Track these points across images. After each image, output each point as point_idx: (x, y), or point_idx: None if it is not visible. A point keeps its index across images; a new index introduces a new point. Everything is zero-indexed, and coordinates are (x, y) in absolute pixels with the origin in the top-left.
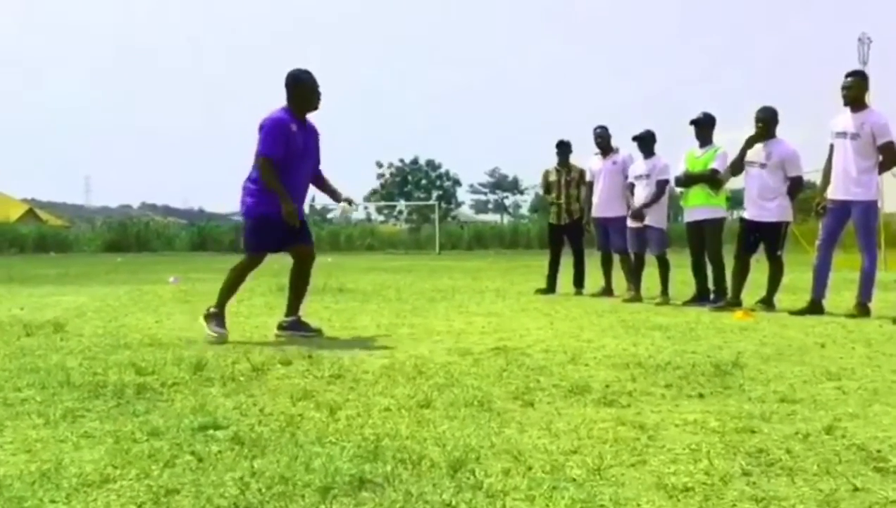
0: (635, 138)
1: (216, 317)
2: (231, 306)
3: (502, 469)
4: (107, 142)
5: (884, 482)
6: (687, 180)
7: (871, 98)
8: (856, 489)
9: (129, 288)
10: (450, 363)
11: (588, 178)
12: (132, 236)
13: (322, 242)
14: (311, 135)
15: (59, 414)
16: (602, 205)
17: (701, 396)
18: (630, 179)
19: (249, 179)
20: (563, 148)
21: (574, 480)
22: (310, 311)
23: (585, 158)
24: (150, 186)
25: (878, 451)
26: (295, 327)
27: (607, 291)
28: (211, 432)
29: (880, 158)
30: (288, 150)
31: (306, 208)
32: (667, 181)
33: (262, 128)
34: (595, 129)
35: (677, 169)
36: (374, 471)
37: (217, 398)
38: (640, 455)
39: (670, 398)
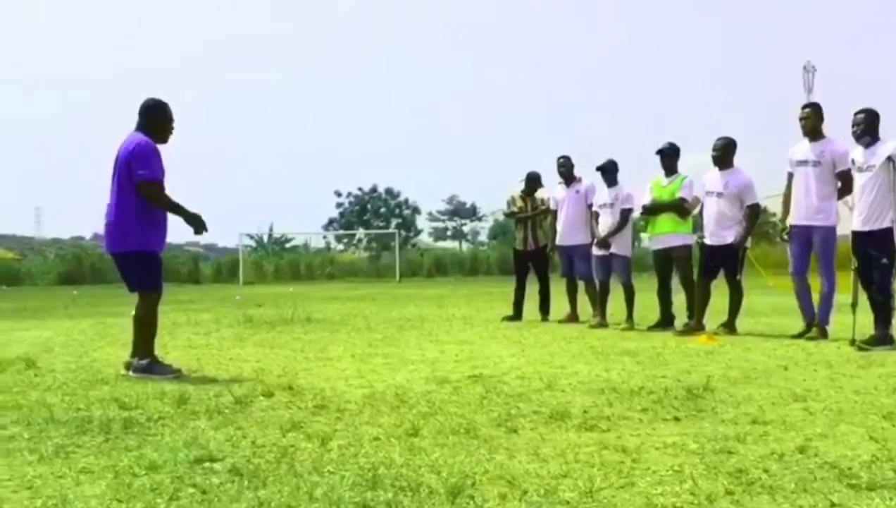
0: (598, 168)
1: (154, 365)
2: (199, 338)
3: (499, 493)
4: (58, 171)
5: (858, 497)
6: (655, 209)
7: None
8: (833, 504)
9: (93, 321)
10: (429, 391)
11: (552, 206)
12: (87, 268)
13: (282, 271)
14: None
15: (51, 451)
16: (566, 233)
17: (676, 419)
18: (595, 208)
19: (125, 212)
20: (532, 181)
21: (568, 503)
22: (280, 341)
23: (549, 187)
24: (102, 217)
25: (850, 468)
26: (151, 368)
27: (573, 317)
28: (208, 464)
29: (839, 184)
30: (163, 175)
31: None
32: (631, 210)
33: (135, 151)
34: (558, 158)
35: (644, 198)
36: (376, 499)
37: (206, 430)
38: (627, 478)
39: (647, 421)
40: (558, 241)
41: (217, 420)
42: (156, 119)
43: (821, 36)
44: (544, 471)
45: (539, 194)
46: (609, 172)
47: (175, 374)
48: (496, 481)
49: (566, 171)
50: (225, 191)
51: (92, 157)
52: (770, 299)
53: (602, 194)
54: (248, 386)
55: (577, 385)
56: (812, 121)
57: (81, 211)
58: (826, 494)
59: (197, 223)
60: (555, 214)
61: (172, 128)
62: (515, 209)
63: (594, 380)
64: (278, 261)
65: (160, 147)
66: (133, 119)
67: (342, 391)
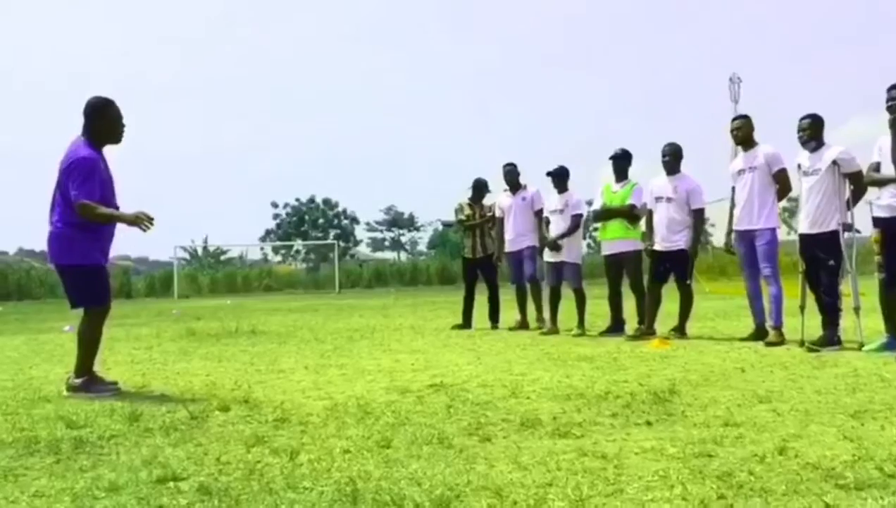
0: (549, 174)
1: (91, 383)
2: (140, 353)
3: (487, 505)
4: None
5: (850, 498)
6: (605, 214)
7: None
8: (828, 505)
9: (25, 338)
10: (393, 401)
11: (497, 214)
12: (13, 284)
13: (218, 284)
14: (109, 169)
15: None
16: (514, 240)
17: (648, 423)
18: (545, 214)
19: (69, 224)
20: (479, 189)
21: None
22: (228, 354)
23: (495, 194)
24: (27, 232)
25: (833, 469)
26: (88, 386)
27: (523, 324)
28: (172, 484)
29: (777, 187)
30: (102, 190)
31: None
32: (581, 215)
33: (70, 168)
34: (504, 166)
35: (595, 203)
36: None
37: (164, 448)
38: (615, 485)
39: (619, 426)
40: (507, 248)
41: (174, 437)
42: (99, 121)
43: (745, 49)
44: (528, 480)
45: (486, 200)
46: (559, 177)
47: (114, 391)
48: (481, 492)
49: (512, 178)
50: (158, 202)
51: (14, 167)
52: (710, 304)
53: (552, 199)
54: (201, 401)
55: (542, 392)
56: (744, 131)
57: (4, 227)
58: (819, 495)
59: (140, 222)
60: (501, 221)
61: (122, 127)
62: (463, 217)
63: (557, 386)
64: (214, 274)
65: (113, 148)
66: (56, 126)
67: (301, 404)
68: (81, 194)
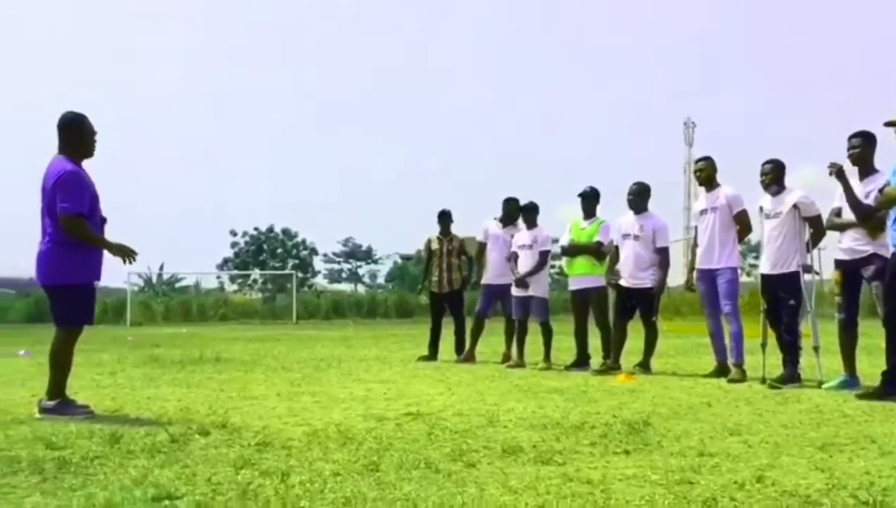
0: (521, 209)
1: (65, 405)
2: (105, 378)
3: None
4: None
5: None
6: (572, 250)
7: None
8: None
9: None
10: (372, 428)
11: (481, 238)
12: None
13: (173, 312)
14: (93, 183)
15: None
16: (500, 273)
17: (627, 452)
18: (514, 249)
19: (55, 241)
20: (444, 218)
21: None
22: (195, 381)
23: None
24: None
25: (809, 496)
26: (62, 409)
27: (469, 356)
28: (167, 502)
29: (738, 227)
30: (91, 203)
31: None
32: (549, 252)
33: (58, 183)
34: (508, 198)
35: (563, 239)
36: None
37: (152, 469)
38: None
39: (599, 455)
40: (490, 279)
41: (159, 459)
42: (74, 136)
43: (698, 93)
44: (521, 503)
45: (454, 230)
46: (530, 212)
47: (88, 414)
48: None
49: (512, 213)
50: (110, 227)
51: None
52: (669, 342)
53: (522, 234)
54: (179, 424)
55: (518, 422)
56: (706, 172)
57: None
58: None
59: (124, 253)
60: (484, 246)
61: (95, 141)
62: (433, 249)
63: (532, 416)
64: (168, 302)
65: (86, 162)
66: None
67: (280, 429)
68: (70, 206)
